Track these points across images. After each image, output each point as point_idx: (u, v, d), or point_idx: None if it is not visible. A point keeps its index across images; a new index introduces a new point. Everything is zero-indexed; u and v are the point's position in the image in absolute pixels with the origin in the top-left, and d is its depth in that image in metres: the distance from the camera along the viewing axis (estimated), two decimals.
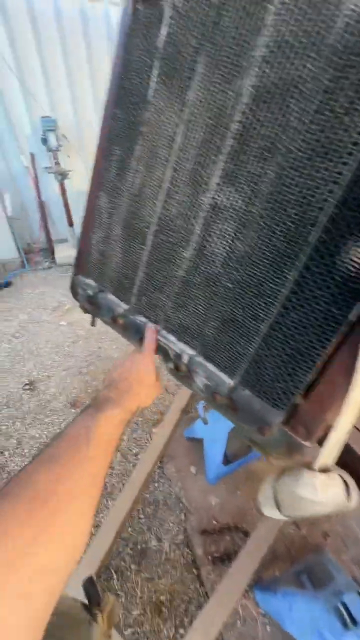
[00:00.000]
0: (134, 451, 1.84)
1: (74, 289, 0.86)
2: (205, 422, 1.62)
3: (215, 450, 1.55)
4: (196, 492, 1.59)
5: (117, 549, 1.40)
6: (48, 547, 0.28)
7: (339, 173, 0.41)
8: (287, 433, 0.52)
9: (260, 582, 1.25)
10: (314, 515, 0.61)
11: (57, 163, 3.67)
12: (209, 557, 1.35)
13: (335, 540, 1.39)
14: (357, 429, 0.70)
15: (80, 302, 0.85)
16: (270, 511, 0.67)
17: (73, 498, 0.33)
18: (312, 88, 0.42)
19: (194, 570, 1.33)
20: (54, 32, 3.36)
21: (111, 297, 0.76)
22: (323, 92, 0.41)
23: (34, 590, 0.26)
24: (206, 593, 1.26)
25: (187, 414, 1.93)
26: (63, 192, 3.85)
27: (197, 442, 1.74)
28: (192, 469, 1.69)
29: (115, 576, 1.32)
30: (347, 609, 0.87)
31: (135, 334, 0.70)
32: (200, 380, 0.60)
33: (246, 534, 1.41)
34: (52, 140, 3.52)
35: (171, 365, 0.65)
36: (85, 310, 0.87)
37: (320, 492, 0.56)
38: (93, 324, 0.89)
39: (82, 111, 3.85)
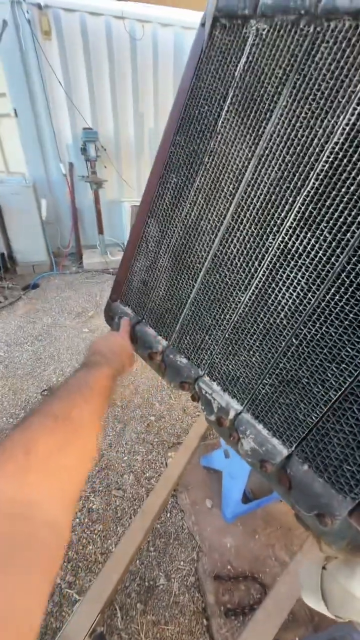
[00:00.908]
0: (147, 474, 1.76)
1: (108, 315, 0.82)
2: (227, 456, 1.53)
3: (234, 487, 1.45)
4: (211, 529, 1.48)
5: (124, 583, 1.32)
6: (70, 454, 0.36)
7: None
8: (354, 527, 0.43)
9: None
10: None
11: (94, 172, 3.77)
12: (221, 607, 1.24)
13: None
14: None
15: (113, 329, 0.81)
16: (314, 604, 0.57)
17: (84, 422, 0.41)
18: None
19: (204, 621, 1.23)
20: (102, 51, 3.48)
21: (150, 330, 0.71)
22: None
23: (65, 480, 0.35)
24: None
25: (205, 440, 1.84)
26: (97, 200, 3.94)
27: (215, 473, 1.64)
28: (208, 503, 1.59)
29: (119, 614, 1.24)
30: None
31: (174, 375, 0.64)
32: (247, 443, 0.53)
33: (263, 586, 1.29)
34: (91, 150, 3.62)
35: (213, 417, 0.58)
36: None
37: None
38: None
39: (122, 125, 3.96)
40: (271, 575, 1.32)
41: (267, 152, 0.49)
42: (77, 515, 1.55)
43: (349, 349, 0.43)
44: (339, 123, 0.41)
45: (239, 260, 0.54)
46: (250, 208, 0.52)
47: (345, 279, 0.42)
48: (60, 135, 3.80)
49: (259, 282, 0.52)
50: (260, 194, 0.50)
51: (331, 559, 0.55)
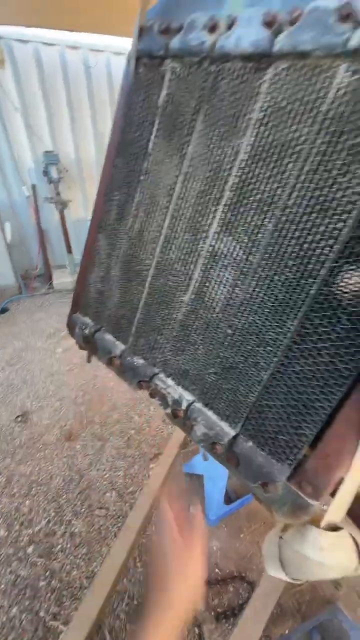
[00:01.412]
0: (130, 489, 1.74)
1: (70, 327, 0.85)
2: (205, 459, 1.55)
3: (215, 489, 1.47)
4: None
5: (112, 605, 1.28)
6: None
7: (338, 229, 0.42)
8: (293, 491, 0.49)
9: None
10: (321, 579, 0.56)
11: (58, 194, 3.80)
12: (212, 612, 1.24)
13: (349, 592, 1.29)
14: None
15: (77, 341, 0.84)
16: (275, 571, 0.61)
17: None
18: (307, 150, 0.43)
19: (196, 629, 1.22)
20: (58, 78, 3.61)
21: (108, 336, 0.75)
22: (318, 155, 0.42)
23: None
24: None
25: (186, 447, 1.86)
26: (63, 220, 3.96)
27: (197, 479, 1.66)
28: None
29: (109, 638, 1.20)
30: None
31: (132, 376, 0.68)
32: (199, 429, 0.57)
33: (251, 584, 1.31)
34: (53, 172, 3.67)
35: (169, 410, 0.62)
36: (82, 348, 0.85)
37: (328, 553, 0.52)
38: (89, 360, 0.87)
39: (83, 147, 4.06)
40: (258, 571, 1.34)
41: (190, 169, 0.56)
42: (59, 540, 1.50)
43: (272, 333, 0.49)
44: (242, 144, 0.49)
45: (178, 265, 0.60)
46: (183, 218, 0.58)
47: (262, 273, 0.49)
48: (21, 159, 3.83)
49: (196, 282, 0.58)
50: (189, 206, 0.57)
51: (287, 529, 0.60)
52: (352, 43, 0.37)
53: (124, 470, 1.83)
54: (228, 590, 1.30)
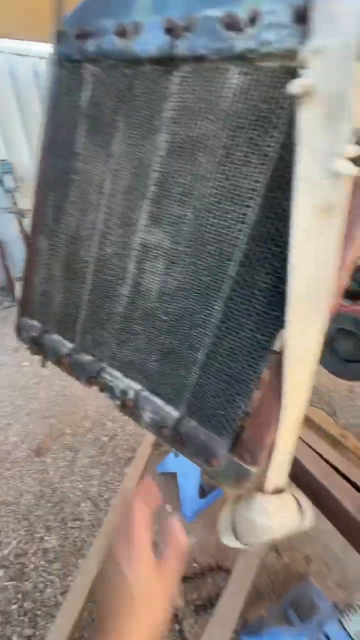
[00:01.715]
0: (105, 496, 1.71)
1: (18, 332, 0.84)
2: (177, 455, 1.57)
3: (188, 484, 1.49)
4: None
5: (90, 616, 1.25)
6: None
7: (244, 214, 0.46)
8: (234, 461, 0.52)
9: (246, 627, 1.17)
10: (270, 539, 0.60)
11: (15, 203, 3.69)
12: (191, 606, 1.25)
13: (318, 564, 1.36)
14: (310, 447, 0.72)
15: (26, 344, 0.82)
16: (229, 540, 0.64)
17: None
18: (214, 144, 0.47)
19: (176, 626, 1.22)
20: (7, 84, 3.52)
21: (56, 337, 0.75)
22: (223, 148, 0.47)
23: None
24: None
25: (159, 447, 1.87)
26: (22, 230, 3.83)
27: (171, 477, 1.67)
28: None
29: None
30: None
31: (81, 373, 0.69)
32: (147, 416, 0.59)
33: (228, 572, 1.33)
34: (8, 182, 3.56)
35: (118, 402, 0.63)
36: (34, 352, 0.84)
37: (273, 515, 0.56)
38: (43, 364, 0.86)
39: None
40: (235, 558, 1.38)
41: (117, 167, 0.58)
42: (31, 559, 1.43)
43: (202, 315, 0.53)
44: (160, 140, 0.53)
45: (115, 259, 0.62)
46: (114, 214, 0.61)
47: (188, 260, 0.53)
48: None
49: (133, 275, 0.60)
50: (120, 202, 0.59)
51: (239, 501, 0.63)
52: (238, 48, 0.42)
53: (98, 478, 1.80)
54: (207, 582, 1.32)
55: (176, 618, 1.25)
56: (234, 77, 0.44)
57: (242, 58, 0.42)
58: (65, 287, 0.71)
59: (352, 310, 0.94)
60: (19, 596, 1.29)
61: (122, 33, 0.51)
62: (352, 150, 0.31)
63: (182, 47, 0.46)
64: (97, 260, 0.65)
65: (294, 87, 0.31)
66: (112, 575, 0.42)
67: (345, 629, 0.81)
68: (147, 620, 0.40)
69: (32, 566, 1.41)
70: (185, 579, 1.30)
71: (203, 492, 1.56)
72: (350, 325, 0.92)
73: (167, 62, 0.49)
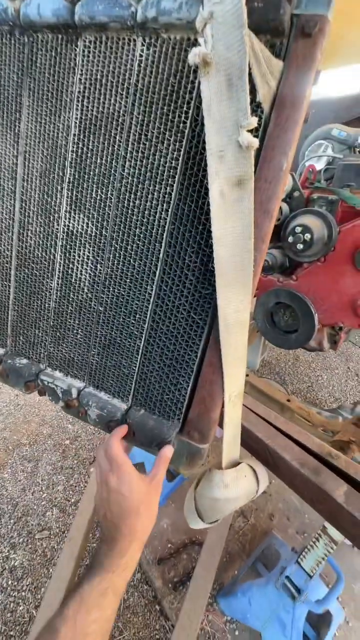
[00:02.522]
0: (73, 500, 1.66)
1: None
2: None
3: None
4: None
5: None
6: None
7: (168, 194, 0.45)
8: (185, 441, 0.53)
9: (222, 589, 1.25)
10: (232, 511, 0.63)
11: None
12: (169, 584, 1.29)
13: (280, 518, 1.49)
14: (254, 412, 0.77)
15: None
16: (195, 523, 0.67)
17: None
18: (129, 121, 0.45)
19: (157, 606, 1.25)
20: None
21: None
22: (137, 125, 0.45)
23: None
24: (172, 626, 1.19)
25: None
26: None
27: (139, 467, 1.67)
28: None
29: None
30: (291, 581, 0.93)
31: (17, 379, 0.63)
32: (93, 412, 0.57)
33: (201, 545, 1.40)
34: None
35: (62, 403, 0.60)
36: None
37: (232, 487, 0.59)
38: None
39: None
40: (206, 532, 1.45)
41: (27, 148, 0.53)
42: None
43: (137, 302, 0.52)
44: (72, 118, 0.49)
45: (38, 251, 0.57)
46: (32, 201, 0.55)
47: (116, 245, 0.50)
48: None
49: (60, 266, 0.56)
50: (36, 187, 0.54)
51: (197, 484, 0.65)
52: (140, 16, 0.39)
53: (62, 484, 1.73)
54: (182, 558, 1.37)
55: (155, 599, 1.28)
56: (139, 48, 0.42)
57: (144, 28, 0.40)
58: None
59: (286, 285, 1.00)
60: None
61: None
62: (254, 121, 0.31)
63: (80, 12, 0.42)
64: (19, 254, 0.59)
65: (192, 56, 0.30)
66: (107, 494, 0.47)
67: (302, 567, 0.91)
68: (144, 524, 0.46)
69: None
70: (162, 561, 1.34)
71: (171, 475, 1.59)
72: (287, 299, 0.99)
73: (67, 29, 0.45)
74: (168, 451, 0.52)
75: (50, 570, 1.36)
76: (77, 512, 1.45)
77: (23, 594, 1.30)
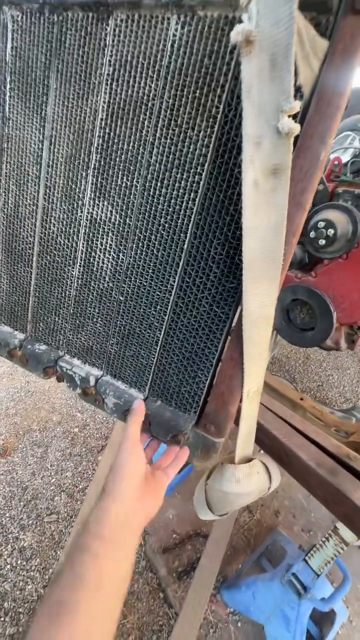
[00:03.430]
0: (80, 486, 1.69)
1: None
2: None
3: None
4: None
5: None
6: None
7: (196, 182, 0.44)
8: (201, 434, 0.52)
9: (225, 581, 1.26)
10: (242, 506, 0.63)
11: None
12: (174, 574, 1.31)
13: (286, 515, 1.49)
14: (269, 409, 0.76)
15: None
16: (204, 514, 0.67)
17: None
18: (158, 105, 0.44)
19: (161, 594, 1.28)
20: None
21: (5, 328, 0.69)
22: (167, 110, 0.43)
23: None
24: (176, 613, 1.21)
25: None
26: None
27: None
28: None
29: None
30: (297, 578, 0.93)
31: (37, 365, 0.64)
32: (110, 401, 0.57)
33: (206, 537, 1.41)
34: None
35: (79, 390, 0.60)
36: None
37: (244, 483, 0.59)
38: None
39: None
40: (212, 524, 1.46)
41: (54, 132, 0.52)
42: (7, 560, 1.39)
43: (158, 293, 0.51)
44: (99, 101, 0.48)
45: (61, 238, 0.57)
46: (57, 187, 0.55)
47: (140, 235, 0.50)
48: None
49: (82, 253, 0.56)
50: (60, 173, 0.54)
51: (209, 476, 0.65)
52: None
53: (71, 470, 1.77)
54: (186, 549, 1.38)
55: (160, 587, 1.31)
56: (173, 27, 0.40)
57: (180, 5, 0.38)
58: (9, 272, 0.65)
59: (304, 281, 0.98)
60: None
61: None
62: (297, 105, 0.30)
63: None
64: (41, 240, 0.59)
65: (235, 34, 0.29)
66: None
67: (309, 566, 0.91)
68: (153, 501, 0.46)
69: (8, 567, 1.37)
70: (167, 550, 1.36)
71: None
72: (304, 295, 0.97)
73: (98, 7, 0.43)
74: (139, 404, 0.52)
75: (58, 552, 1.40)
76: (84, 499, 1.49)
77: (32, 573, 1.35)
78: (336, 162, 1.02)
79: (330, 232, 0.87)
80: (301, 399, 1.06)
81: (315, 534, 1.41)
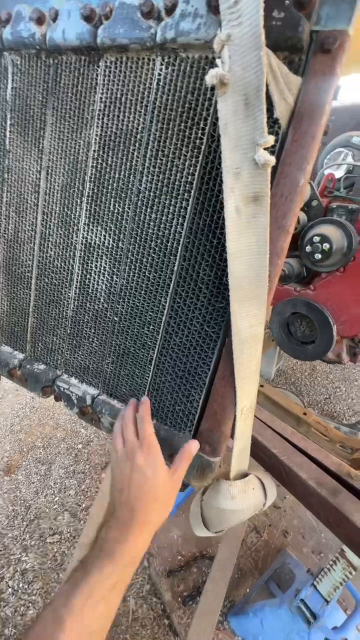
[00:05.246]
0: (84, 505, 1.66)
1: None
2: None
3: None
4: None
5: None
6: None
7: (184, 208, 0.46)
8: (196, 454, 0.52)
9: (233, 607, 1.21)
10: (237, 523, 0.61)
11: None
12: (179, 598, 1.26)
13: (295, 535, 1.43)
14: (270, 427, 0.75)
15: None
16: (200, 531, 0.65)
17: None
18: (146, 137, 0.46)
19: (166, 620, 1.23)
20: None
21: (5, 348, 0.70)
22: (155, 141, 0.46)
23: None
24: None
25: None
26: None
27: None
28: None
29: None
30: (306, 605, 0.89)
31: (35, 384, 0.65)
32: (105, 420, 0.58)
33: (212, 559, 1.36)
34: None
35: (76, 410, 0.61)
36: None
37: (239, 500, 0.57)
38: None
39: None
40: (217, 545, 1.41)
41: (50, 164, 0.55)
42: (9, 583, 1.36)
43: (151, 313, 0.52)
44: (91, 134, 0.50)
45: (58, 262, 0.59)
46: (53, 214, 0.57)
47: (132, 257, 0.51)
48: None
49: (78, 276, 0.58)
50: (57, 200, 0.56)
51: (205, 492, 0.64)
52: (159, 37, 0.41)
53: (74, 488, 1.74)
54: (192, 572, 1.34)
55: (164, 612, 1.26)
56: (158, 67, 0.43)
57: (163, 48, 0.41)
58: (9, 294, 0.67)
59: (304, 295, 0.98)
60: None
61: (39, 20, 0.48)
62: (271, 139, 0.31)
63: (102, 35, 0.44)
64: (40, 264, 0.61)
65: (209, 77, 0.31)
66: (130, 471, 0.46)
67: (318, 591, 0.87)
68: (159, 515, 0.45)
69: (9, 591, 1.33)
70: (172, 573, 1.32)
71: (184, 485, 1.58)
72: (303, 309, 0.97)
73: (89, 51, 0.47)
74: (193, 446, 0.48)
75: (60, 575, 1.37)
76: (87, 518, 1.46)
77: (33, 597, 1.31)
78: (330, 178, 1.04)
79: (326, 246, 0.88)
80: (304, 413, 1.04)
81: (326, 556, 1.35)
